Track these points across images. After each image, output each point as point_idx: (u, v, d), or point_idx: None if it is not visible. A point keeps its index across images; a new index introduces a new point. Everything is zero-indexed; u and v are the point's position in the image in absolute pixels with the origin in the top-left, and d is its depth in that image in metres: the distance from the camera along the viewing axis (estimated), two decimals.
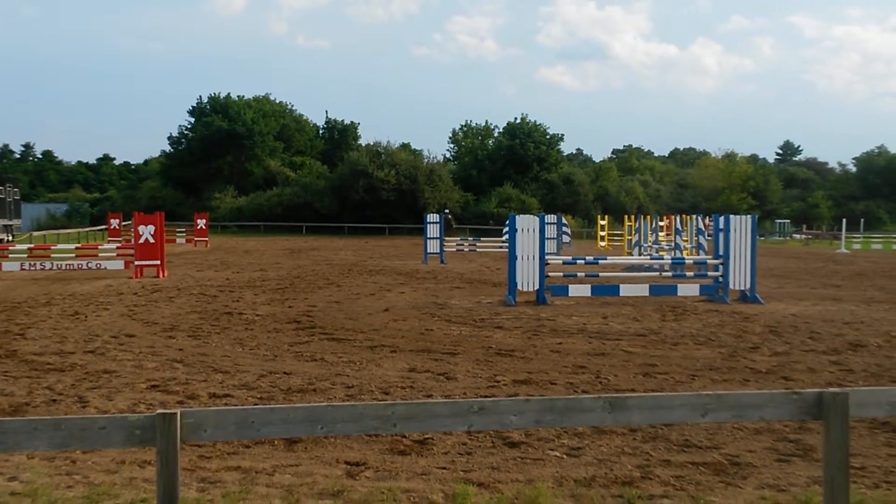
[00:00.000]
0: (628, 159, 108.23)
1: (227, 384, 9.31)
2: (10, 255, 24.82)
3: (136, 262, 24.05)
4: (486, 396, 8.48)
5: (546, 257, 17.90)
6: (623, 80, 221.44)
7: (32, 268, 24.30)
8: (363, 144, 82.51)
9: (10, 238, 43.14)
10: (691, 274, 20.58)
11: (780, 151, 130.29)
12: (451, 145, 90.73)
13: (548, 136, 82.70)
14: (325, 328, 13.76)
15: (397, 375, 9.84)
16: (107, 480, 5.92)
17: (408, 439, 6.92)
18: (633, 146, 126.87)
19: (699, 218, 29.16)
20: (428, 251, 32.32)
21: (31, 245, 30.76)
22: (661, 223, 34.32)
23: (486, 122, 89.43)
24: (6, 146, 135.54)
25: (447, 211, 61.13)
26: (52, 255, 25.61)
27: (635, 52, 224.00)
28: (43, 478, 5.97)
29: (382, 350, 11.66)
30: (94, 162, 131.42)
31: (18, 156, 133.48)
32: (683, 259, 21.86)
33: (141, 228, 24.14)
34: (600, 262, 20.64)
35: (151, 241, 24.10)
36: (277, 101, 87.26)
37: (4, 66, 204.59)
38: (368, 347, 11.88)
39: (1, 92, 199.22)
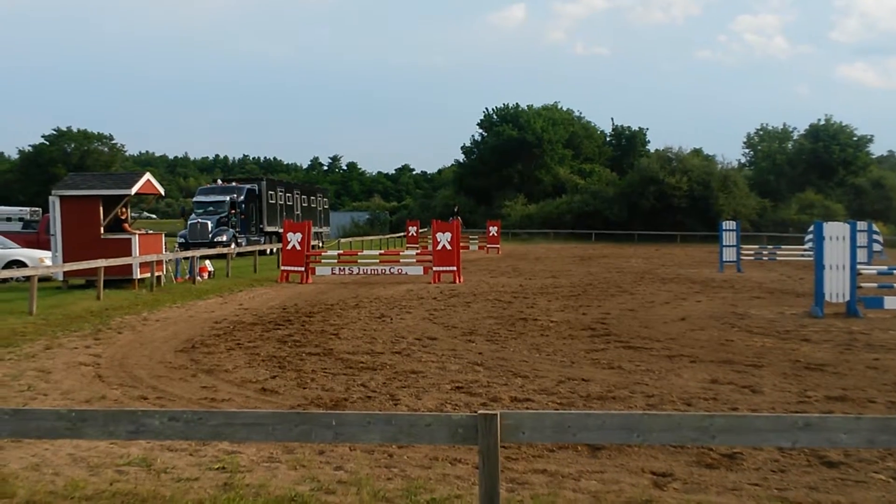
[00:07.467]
0: None
1: (527, 388, 9.47)
2: (323, 261, 26.78)
3: (434, 268, 25.09)
4: (796, 412, 8.02)
5: (857, 267, 16.72)
6: None
7: (342, 272, 26.08)
8: (652, 151, 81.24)
9: (321, 244, 46.59)
10: None
11: None
12: (747, 150, 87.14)
13: (855, 138, 77.27)
14: (620, 336, 13.65)
15: (698, 386, 9.55)
16: (422, 475, 6.22)
17: (715, 452, 6.67)
18: None
19: None
20: (724, 259, 31.20)
21: (340, 251, 33.08)
22: None
23: (784, 124, 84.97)
24: (316, 159, 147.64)
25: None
26: (359, 261, 27.37)
27: None
28: (365, 469, 6.37)
29: (681, 360, 11.38)
30: (393, 172, 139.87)
31: (326, 167, 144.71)
32: None
33: (439, 236, 25.16)
34: None
35: (448, 248, 25.04)
36: (565, 109, 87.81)
37: (315, 87, 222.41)
38: (666, 357, 11.64)
39: (314, 111, 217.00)
